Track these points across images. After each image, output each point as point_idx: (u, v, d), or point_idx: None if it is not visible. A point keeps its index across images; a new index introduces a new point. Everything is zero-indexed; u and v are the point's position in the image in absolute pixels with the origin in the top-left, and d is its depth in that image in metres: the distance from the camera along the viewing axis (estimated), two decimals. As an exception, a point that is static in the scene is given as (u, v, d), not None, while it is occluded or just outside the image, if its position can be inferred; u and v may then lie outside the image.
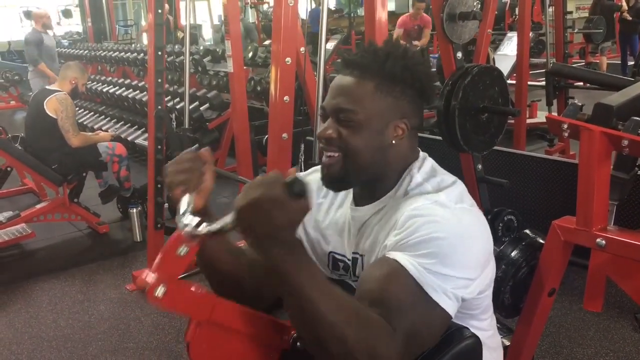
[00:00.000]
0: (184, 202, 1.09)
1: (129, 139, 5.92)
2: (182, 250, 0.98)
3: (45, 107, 4.06)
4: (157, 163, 3.37)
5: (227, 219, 0.97)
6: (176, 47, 6.60)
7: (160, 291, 0.96)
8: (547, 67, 5.03)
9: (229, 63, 3.57)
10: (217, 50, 6.04)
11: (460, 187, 1.21)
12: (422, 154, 1.27)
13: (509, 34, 6.57)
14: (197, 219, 1.00)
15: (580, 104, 1.56)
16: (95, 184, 4.73)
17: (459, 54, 2.77)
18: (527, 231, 1.78)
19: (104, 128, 6.30)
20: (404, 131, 1.20)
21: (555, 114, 5.32)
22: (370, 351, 0.96)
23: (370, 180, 1.22)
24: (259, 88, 5.84)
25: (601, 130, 1.46)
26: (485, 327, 1.24)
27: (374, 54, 1.19)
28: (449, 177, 1.23)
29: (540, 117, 6.29)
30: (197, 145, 1.09)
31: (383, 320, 1.00)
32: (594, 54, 9.89)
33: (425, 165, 1.24)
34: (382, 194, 1.23)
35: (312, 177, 1.36)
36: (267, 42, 9.32)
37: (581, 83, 5.81)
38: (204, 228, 0.99)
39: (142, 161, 6.26)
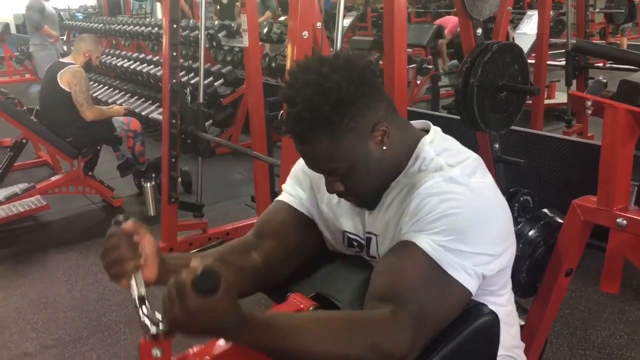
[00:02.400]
0: (133, 291, 1.05)
1: (143, 113, 5.91)
2: (156, 352, 0.97)
3: (58, 80, 4.05)
4: (172, 137, 3.37)
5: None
6: (191, 21, 6.57)
7: None
8: (567, 46, 4.93)
9: (244, 38, 3.54)
10: (232, 25, 6.00)
11: (475, 160, 1.17)
12: (433, 128, 1.23)
13: (529, 12, 6.44)
14: (155, 317, 0.98)
15: (604, 81, 1.52)
16: (110, 158, 4.74)
17: (479, 31, 2.72)
18: (546, 210, 1.75)
19: (117, 102, 6.30)
20: (385, 132, 1.14)
21: (574, 94, 5.23)
22: (376, 350, 0.99)
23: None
24: (273, 64, 5.81)
25: (626, 108, 1.42)
26: (503, 303, 1.23)
27: (296, 106, 1.08)
28: (463, 151, 1.19)
29: (559, 97, 6.21)
30: (121, 217, 1.07)
31: (383, 314, 1.01)
32: (615, 35, 9.73)
33: (437, 139, 1.20)
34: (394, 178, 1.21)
35: None
36: (282, 18, 9.24)
37: (601, 63, 5.72)
38: (163, 327, 0.96)
39: (155, 136, 6.25)
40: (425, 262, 1.04)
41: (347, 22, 8.31)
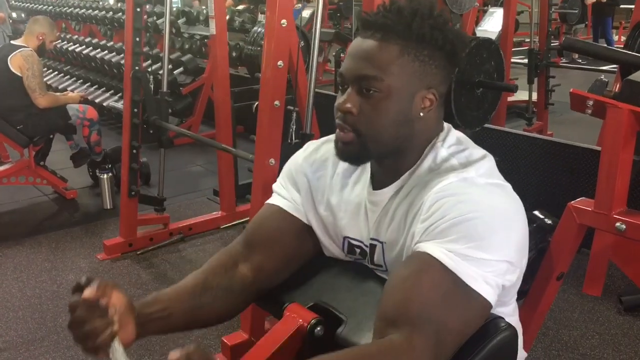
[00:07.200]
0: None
1: (97, 101, 5.66)
2: None
3: (9, 63, 3.80)
4: (133, 127, 3.20)
5: None
6: (147, 6, 6.32)
7: None
8: (531, 44, 4.97)
9: (211, 25, 3.41)
10: (192, 11, 5.80)
11: (490, 161, 1.09)
12: (446, 125, 1.15)
13: (491, 10, 6.50)
14: None
15: (606, 80, 1.47)
16: (63, 147, 4.52)
17: (458, 25, 2.68)
18: (537, 212, 1.70)
19: (69, 89, 6.02)
20: (432, 102, 1.08)
21: (534, 93, 5.29)
22: None
23: (391, 154, 1.10)
24: (234, 54, 5.65)
25: (630, 109, 1.39)
26: (510, 313, 1.16)
27: (398, 13, 1.05)
28: (477, 151, 1.11)
29: (518, 95, 6.27)
30: (83, 279, 0.99)
31: (398, 341, 0.93)
32: (568, 35, 9.94)
33: (450, 138, 1.11)
34: (402, 172, 1.11)
35: (325, 147, 1.25)
36: (240, 7, 9.04)
37: (560, 62, 5.81)
38: None
39: (110, 125, 6.04)
40: (442, 274, 0.95)
41: (307, 13, 8.21)
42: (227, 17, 5.86)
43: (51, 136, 4.11)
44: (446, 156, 1.08)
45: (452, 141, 1.11)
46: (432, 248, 0.97)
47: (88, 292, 1.01)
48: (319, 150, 1.24)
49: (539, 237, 1.67)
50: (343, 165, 1.18)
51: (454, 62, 1.09)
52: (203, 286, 1.16)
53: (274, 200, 1.25)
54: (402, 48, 1.03)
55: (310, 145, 1.27)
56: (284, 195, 1.24)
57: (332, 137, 1.22)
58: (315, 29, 2.29)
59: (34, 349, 2.49)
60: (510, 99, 5.89)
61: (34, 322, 2.69)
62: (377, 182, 1.14)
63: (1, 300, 2.87)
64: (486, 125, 3.73)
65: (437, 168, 1.07)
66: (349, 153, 1.09)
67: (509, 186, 1.07)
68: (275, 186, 1.28)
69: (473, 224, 0.96)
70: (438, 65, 1.06)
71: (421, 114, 1.07)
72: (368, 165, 1.16)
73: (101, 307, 1.00)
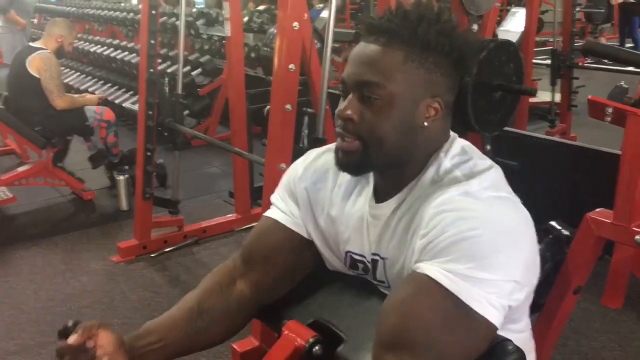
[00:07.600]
0: None
1: (117, 102, 5.70)
2: None
3: (28, 65, 3.83)
4: (148, 130, 3.19)
5: None
6: (167, 8, 6.35)
7: None
8: (554, 45, 4.87)
9: (226, 27, 3.38)
10: (211, 13, 5.80)
11: (496, 172, 1.03)
12: (451, 134, 1.10)
13: (513, 9, 6.38)
14: None
15: (626, 87, 1.40)
16: (81, 148, 4.53)
17: (475, 26, 2.61)
18: (553, 223, 1.63)
19: (90, 90, 6.06)
20: (438, 111, 1.02)
21: (558, 94, 5.17)
22: None
23: (394, 165, 1.05)
24: (253, 55, 5.63)
25: (651, 117, 1.32)
26: (521, 329, 1.10)
27: (404, 17, 1.01)
28: (483, 161, 1.05)
29: (541, 96, 6.15)
30: (70, 323, 0.99)
31: None
32: (593, 35, 9.77)
33: (454, 148, 1.06)
34: (404, 184, 1.06)
35: (326, 156, 1.20)
36: (260, 8, 9.03)
37: (585, 63, 5.68)
38: None
39: (129, 126, 6.06)
40: (441, 296, 0.90)
41: (327, 14, 8.16)
42: (246, 19, 5.86)
43: (69, 137, 4.13)
44: (449, 167, 1.03)
45: (456, 151, 1.05)
46: (431, 269, 0.92)
47: (73, 339, 1.00)
48: (319, 159, 1.20)
49: (555, 249, 1.61)
50: (344, 177, 1.14)
51: (462, 70, 1.04)
52: (198, 310, 1.14)
53: (272, 213, 1.21)
54: (406, 54, 0.99)
55: (311, 154, 1.22)
56: (282, 208, 1.20)
57: (334, 145, 1.17)
58: (328, 29, 2.25)
59: (45, 353, 2.49)
60: (532, 100, 5.76)
61: (47, 325, 2.68)
62: (380, 195, 1.09)
63: (16, 302, 2.88)
64: (505, 128, 3.66)
65: (440, 180, 1.02)
66: (349, 162, 1.05)
67: (516, 199, 1.01)
68: (273, 198, 1.24)
69: (475, 242, 0.90)
70: (444, 73, 1.01)
71: (425, 124, 1.02)
72: (371, 178, 1.12)
73: (88, 350, 1.00)
